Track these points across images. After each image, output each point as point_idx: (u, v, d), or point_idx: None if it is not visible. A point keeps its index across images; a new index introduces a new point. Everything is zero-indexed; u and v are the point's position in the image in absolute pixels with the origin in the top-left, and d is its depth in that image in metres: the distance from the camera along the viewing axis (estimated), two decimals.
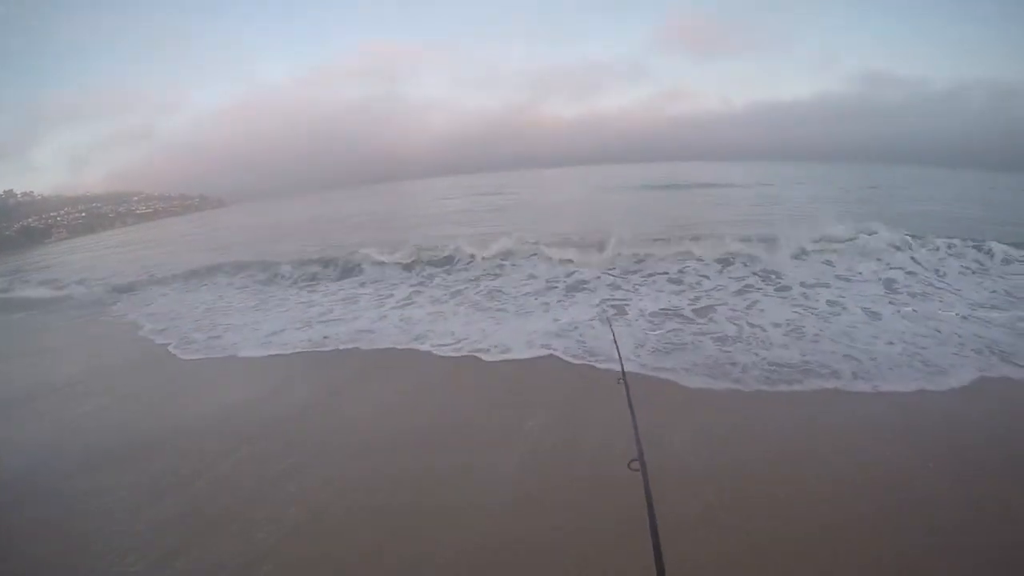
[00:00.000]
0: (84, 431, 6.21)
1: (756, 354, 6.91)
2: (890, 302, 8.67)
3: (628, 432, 2.50)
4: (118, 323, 11.72)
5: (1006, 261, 10.56)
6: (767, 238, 12.14)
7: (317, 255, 15.51)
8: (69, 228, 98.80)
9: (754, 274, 10.41)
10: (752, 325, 7.97)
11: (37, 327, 12.64)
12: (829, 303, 8.76)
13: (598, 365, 6.97)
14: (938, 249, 11.20)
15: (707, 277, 10.48)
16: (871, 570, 3.38)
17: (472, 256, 13.22)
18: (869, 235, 11.83)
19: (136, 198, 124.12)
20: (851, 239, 11.82)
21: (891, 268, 10.39)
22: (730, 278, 10.36)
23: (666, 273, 10.83)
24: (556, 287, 10.73)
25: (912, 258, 10.82)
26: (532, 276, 11.54)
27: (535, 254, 12.73)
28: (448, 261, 13.36)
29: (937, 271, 10.28)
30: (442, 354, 7.87)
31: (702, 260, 11.26)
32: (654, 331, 8.00)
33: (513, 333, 8.26)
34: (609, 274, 11.15)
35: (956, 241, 11.55)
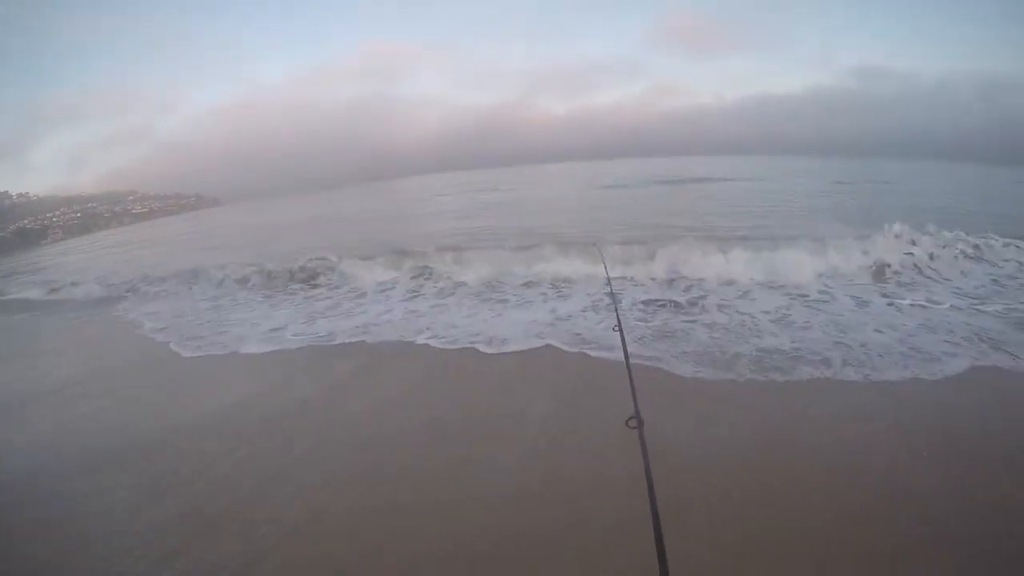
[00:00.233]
0: (84, 432, 6.20)
1: (747, 342, 7.05)
2: (883, 295, 8.75)
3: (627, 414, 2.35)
4: (117, 322, 11.68)
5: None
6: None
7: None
8: (65, 229, 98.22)
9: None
10: (741, 313, 8.16)
11: (36, 329, 12.58)
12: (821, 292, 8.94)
13: (591, 353, 7.09)
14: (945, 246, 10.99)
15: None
16: (865, 559, 3.41)
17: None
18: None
19: (131, 198, 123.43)
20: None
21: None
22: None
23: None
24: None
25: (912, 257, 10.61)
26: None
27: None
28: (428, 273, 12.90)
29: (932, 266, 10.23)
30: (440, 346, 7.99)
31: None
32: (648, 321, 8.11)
33: None
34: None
35: (960, 233, 11.40)
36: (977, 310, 7.71)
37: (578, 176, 51.88)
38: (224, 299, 12.57)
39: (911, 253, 10.55)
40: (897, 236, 11.22)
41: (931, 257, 10.43)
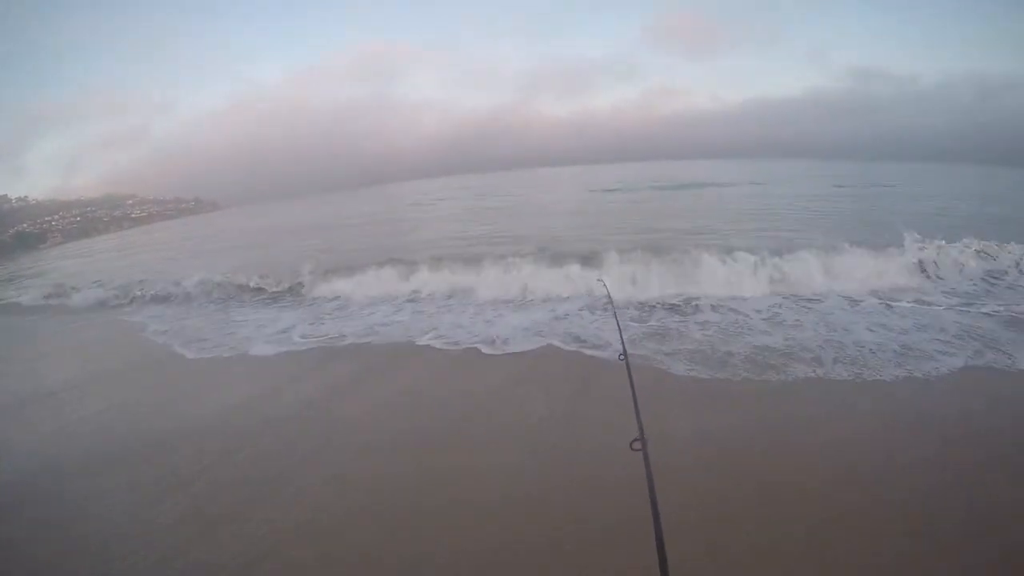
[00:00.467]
0: (86, 434, 6.21)
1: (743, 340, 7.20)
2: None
3: (627, 423, 2.38)
4: (120, 325, 11.72)
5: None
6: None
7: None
8: (64, 233, 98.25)
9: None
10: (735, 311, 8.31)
11: (37, 333, 12.60)
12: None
13: (587, 351, 7.19)
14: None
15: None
16: (868, 567, 3.41)
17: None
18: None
19: (131, 202, 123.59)
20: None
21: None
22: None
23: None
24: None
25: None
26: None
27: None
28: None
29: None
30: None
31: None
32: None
33: None
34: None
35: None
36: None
37: (580, 181, 51.72)
38: (228, 302, 12.62)
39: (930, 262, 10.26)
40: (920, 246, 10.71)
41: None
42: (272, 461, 5.16)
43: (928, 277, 9.84)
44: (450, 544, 3.84)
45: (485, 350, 7.82)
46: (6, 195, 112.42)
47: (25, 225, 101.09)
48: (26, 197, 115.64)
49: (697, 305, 8.97)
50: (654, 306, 9.11)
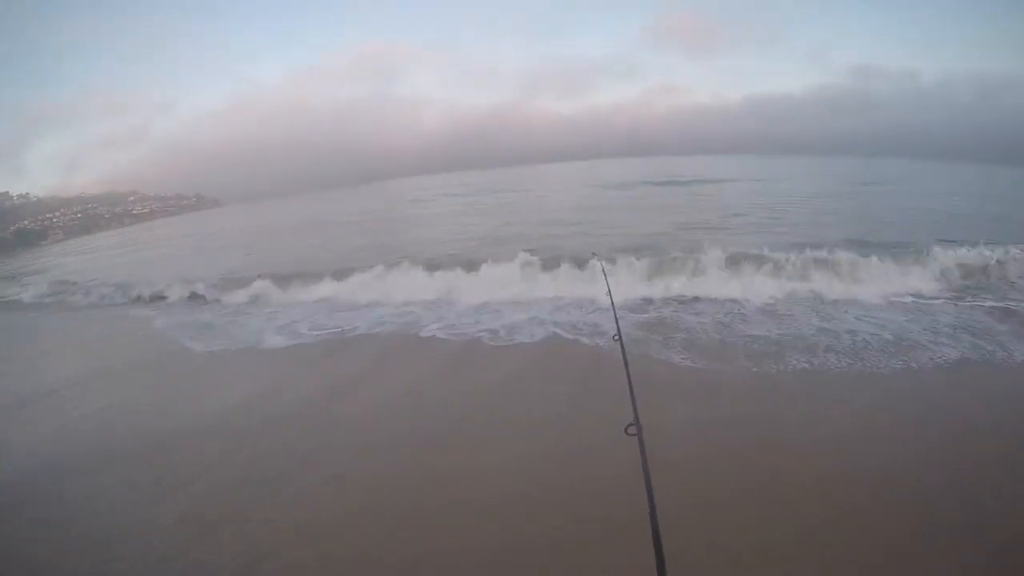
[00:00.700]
0: (86, 432, 6.22)
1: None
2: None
3: (627, 413, 2.32)
4: (120, 321, 11.73)
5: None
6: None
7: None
8: (65, 229, 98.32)
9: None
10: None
11: (38, 329, 12.63)
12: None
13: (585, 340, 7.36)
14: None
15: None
16: (867, 567, 3.40)
17: None
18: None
19: (132, 198, 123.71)
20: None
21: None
22: None
23: None
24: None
25: None
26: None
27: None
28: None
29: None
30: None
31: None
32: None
33: None
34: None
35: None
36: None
37: (580, 177, 51.45)
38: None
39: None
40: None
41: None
42: (273, 461, 5.15)
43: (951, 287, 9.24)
44: (450, 543, 3.83)
45: (489, 341, 7.90)
46: (7, 192, 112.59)
47: (26, 222, 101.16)
48: (27, 194, 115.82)
49: (697, 299, 8.99)
50: (658, 305, 9.09)
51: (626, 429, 2.15)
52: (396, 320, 9.61)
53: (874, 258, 9.89)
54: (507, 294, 10.21)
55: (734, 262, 10.30)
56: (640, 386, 2.55)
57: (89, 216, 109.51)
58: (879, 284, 9.19)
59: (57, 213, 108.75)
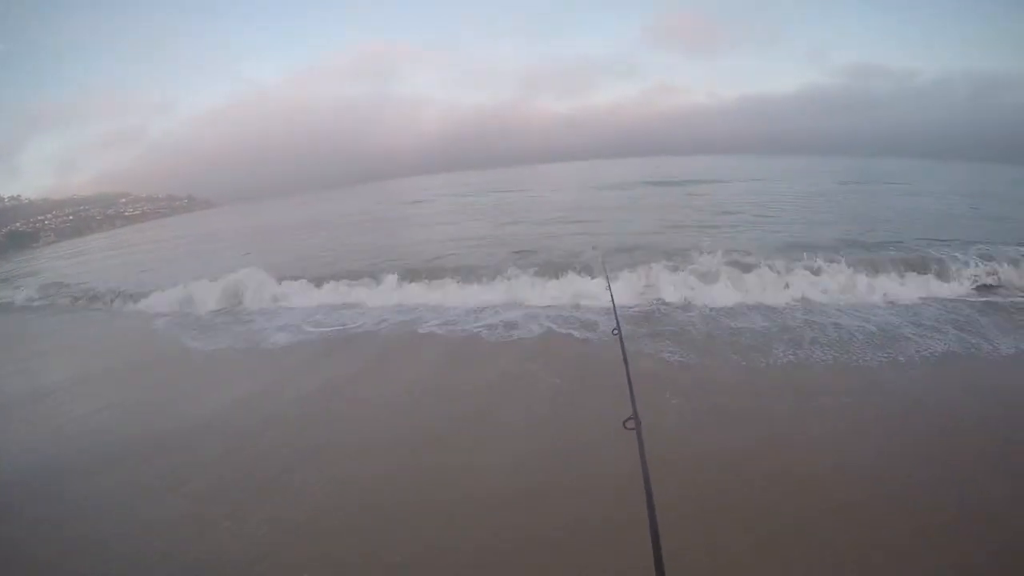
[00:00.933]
0: (85, 432, 6.18)
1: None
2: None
3: (625, 409, 2.33)
4: (118, 321, 11.70)
5: None
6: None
7: None
8: (57, 232, 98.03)
9: None
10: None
11: (32, 331, 12.54)
12: None
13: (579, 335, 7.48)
14: None
15: None
16: (865, 561, 3.41)
17: None
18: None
19: (124, 200, 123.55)
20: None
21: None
22: None
23: None
24: None
25: None
26: None
27: None
28: None
29: None
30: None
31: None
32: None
33: None
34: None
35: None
36: None
37: (580, 178, 51.24)
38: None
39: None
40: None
41: None
42: (272, 460, 5.13)
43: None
44: (451, 542, 3.83)
45: (487, 337, 7.96)
46: None
47: (18, 224, 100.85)
48: (19, 196, 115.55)
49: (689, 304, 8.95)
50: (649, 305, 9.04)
51: (624, 423, 2.17)
52: (395, 318, 9.60)
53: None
54: (505, 295, 10.12)
55: (729, 264, 10.16)
56: (636, 383, 2.54)
57: (81, 218, 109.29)
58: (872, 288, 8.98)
59: (49, 215, 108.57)
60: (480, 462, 4.81)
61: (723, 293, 9.12)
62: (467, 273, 11.28)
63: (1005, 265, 9.33)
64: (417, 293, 10.82)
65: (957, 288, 8.83)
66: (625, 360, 2.88)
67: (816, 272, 9.50)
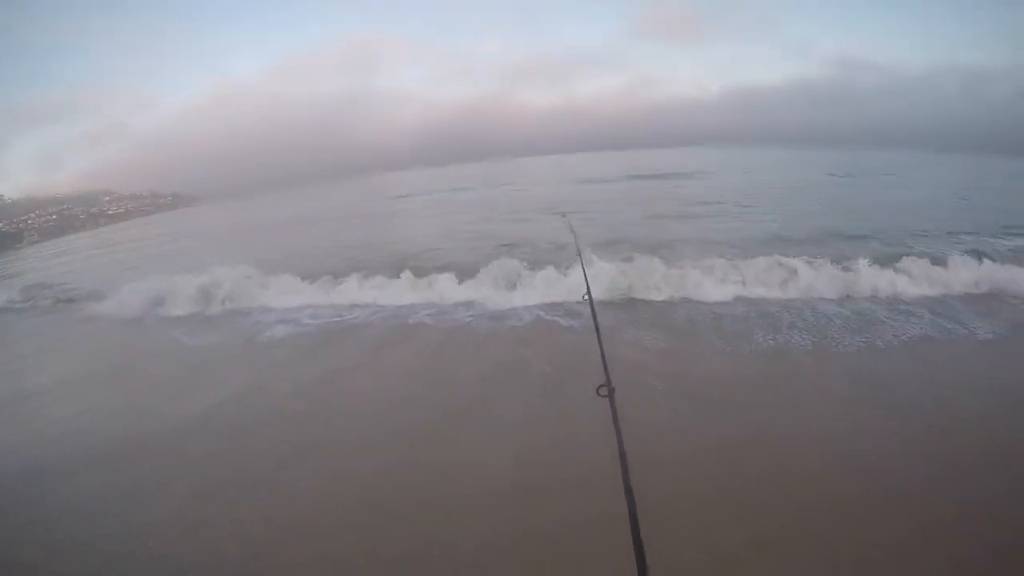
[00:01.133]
0: (72, 434, 6.07)
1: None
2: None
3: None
4: (107, 321, 11.53)
5: None
6: None
7: None
8: (40, 232, 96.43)
9: None
10: None
11: (12, 333, 12.35)
12: None
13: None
14: None
15: None
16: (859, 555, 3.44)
17: None
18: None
19: (107, 198, 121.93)
20: None
21: None
22: None
23: None
24: None
25: None
26: None
27: None
28: None
29: None
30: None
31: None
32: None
33: None
34: None
35: None
36: None
37: (564, 172, 50.96)
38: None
39: None
40: None
41: None
42: (267, 459, 5.07)
43: None
44: (449, 538, 3.82)
45: (477, 327, 8.06)
46: None
47: (1, 224, 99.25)
48: (2, 196, 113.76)
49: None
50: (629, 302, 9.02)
51: (597, 390, 2.10)
52: (384, 312, 9.58)
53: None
54: (489, 290, 10.03)
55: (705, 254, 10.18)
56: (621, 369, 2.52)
57: (64, 217, 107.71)
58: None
59: (32, 215, 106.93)
60: (477, 456, 4.80)
61: (707, 286, 9.10)
62: (455, 268, 11.15)
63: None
64: (406, 287, 10.75)
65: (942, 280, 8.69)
66: (596, 326, 2.86)
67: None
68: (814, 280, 8.90)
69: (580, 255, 5.15)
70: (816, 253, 9.82)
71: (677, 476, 4.16)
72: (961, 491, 3.91)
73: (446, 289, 10.32)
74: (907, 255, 9.45)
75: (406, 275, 10.96)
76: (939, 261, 9.10)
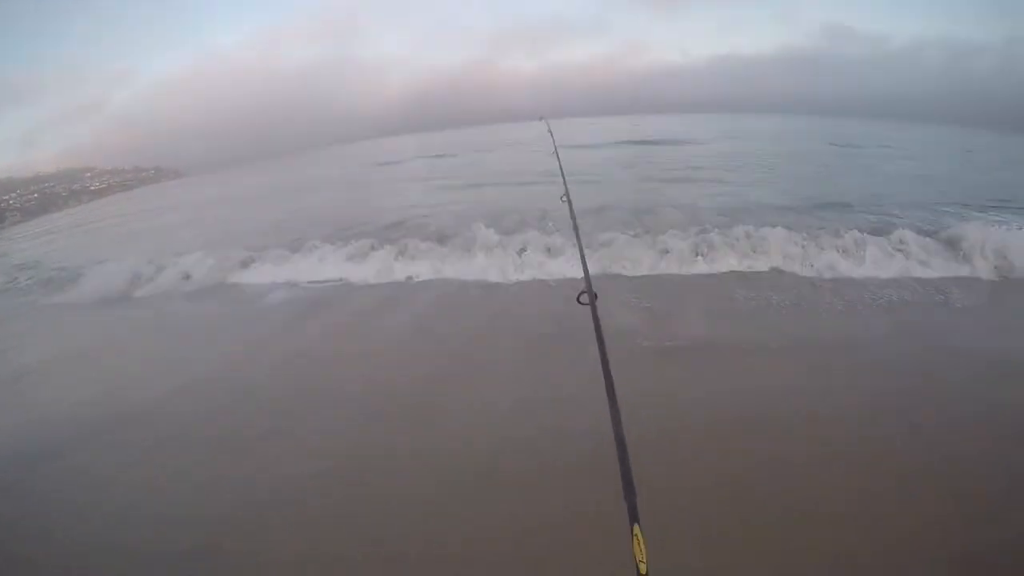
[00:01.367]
0: (58, 422, 5.90)
1: None
2: None
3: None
4: (92, 299, 11.42)
5: None
6: None
7: None
8: (23, 211, 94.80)
9: None
10: None
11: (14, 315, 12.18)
12: None
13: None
14: None
15: None
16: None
17: None
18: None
19: (89, 174, 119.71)
20: None
21: None
22: None
23: None
24: None
25: None
26: None
27: None
28: None
29: None
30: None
31: None
32: None
33: None
34: None
35: None
36: None
37: (560, 135, 49.96)
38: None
39: None
40: None
41: None
42: (263, 457, 4.89)
43: None
44: (447, 533, 3.78)
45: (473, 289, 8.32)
46: None
47: None
48: None
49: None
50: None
51: (578, 298, 2.04)
52: (361, 285, 9.62)
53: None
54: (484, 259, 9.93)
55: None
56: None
57: (46, 196, 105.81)
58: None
59: (13, 195, 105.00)
60: (472, 451, 4.68)
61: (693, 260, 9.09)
62: (443, 237, 11.15)
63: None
64: (385, 258, 10.66)
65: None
66: (576, 229, 2.82)
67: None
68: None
69: (557, 153, 5.01)
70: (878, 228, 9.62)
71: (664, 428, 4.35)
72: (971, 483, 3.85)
73: (420, 259, 10.32)
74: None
75: (386, 247, 10.89)
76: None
